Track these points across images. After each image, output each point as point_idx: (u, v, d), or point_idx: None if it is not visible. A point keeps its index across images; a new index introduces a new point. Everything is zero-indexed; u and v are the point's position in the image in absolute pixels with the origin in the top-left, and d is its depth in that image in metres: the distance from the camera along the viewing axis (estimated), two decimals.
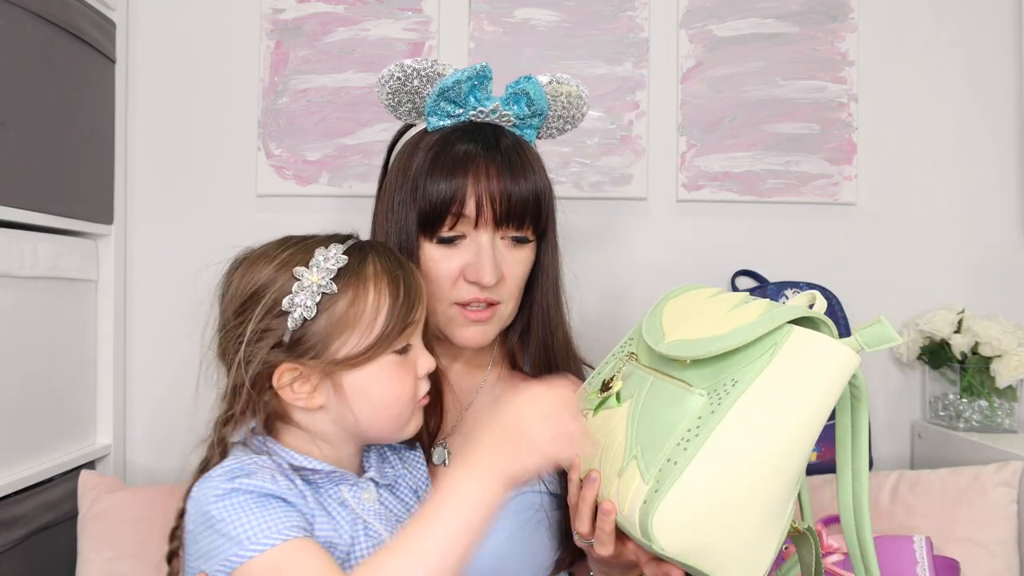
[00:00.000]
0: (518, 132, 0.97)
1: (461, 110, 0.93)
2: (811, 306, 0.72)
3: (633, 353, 0.85)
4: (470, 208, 0.89)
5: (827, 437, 1.28)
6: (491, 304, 0.93)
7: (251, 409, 0.75)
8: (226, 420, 0.76)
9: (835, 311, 1.37)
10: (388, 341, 0.75)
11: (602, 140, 1.46)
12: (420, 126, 0.99)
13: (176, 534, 0.77)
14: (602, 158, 1.46)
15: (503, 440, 0.67)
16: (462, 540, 0.63)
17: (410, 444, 0.90)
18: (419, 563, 0.62)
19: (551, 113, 1.00)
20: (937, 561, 1.02)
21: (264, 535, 0.66)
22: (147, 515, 1.15)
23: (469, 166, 0.89)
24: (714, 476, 0.65)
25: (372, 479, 0.81)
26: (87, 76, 1.31)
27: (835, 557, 0.98)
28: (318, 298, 0.73)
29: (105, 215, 1.36)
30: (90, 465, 1.30)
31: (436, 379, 0.93)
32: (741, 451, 0.65)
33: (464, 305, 0.92)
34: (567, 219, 1.49)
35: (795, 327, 0.69)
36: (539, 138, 1.02)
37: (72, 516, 1.21)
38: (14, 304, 1.12)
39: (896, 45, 1.49)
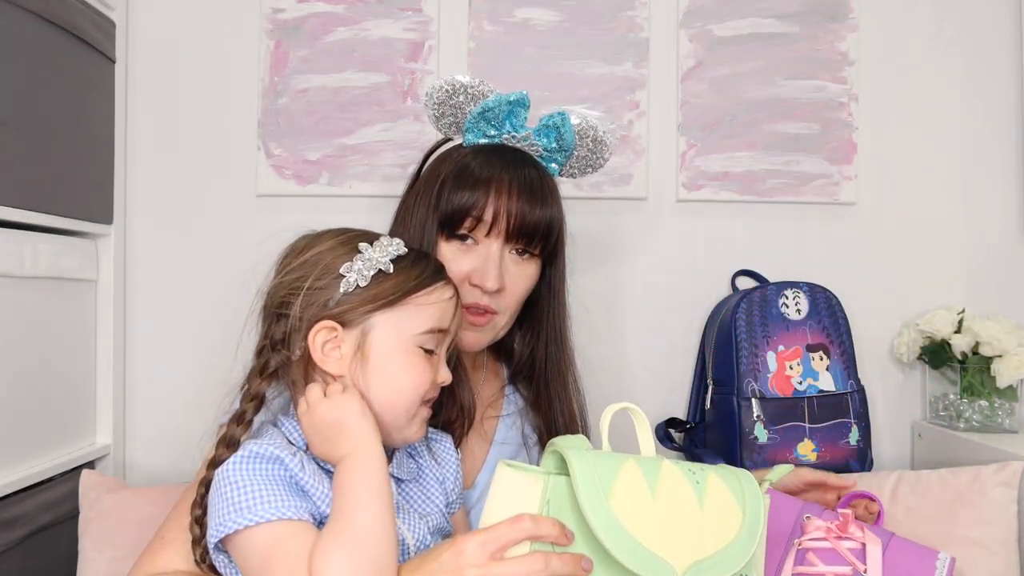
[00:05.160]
0: (543, 163, 1.03)
1: (496, 132, 1.00)
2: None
3: None
4: (488, 214, 0.94)
5: (826, 437, 1.29)
6: (488, 312, 0.97)
7: (282, 369, 0.80)
8: (261, 373, 0.80)
9: (835, 311, 1.37)
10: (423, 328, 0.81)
11: None
12: (457, 140, 1.05)
13: (201, 503, 0.79)
14: None
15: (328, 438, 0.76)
16: (381, 503, 0.71)
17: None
18: (359, 535, 0.69)
19: (575, 153, 1.05)
20: None
21: (265, 509, 0.70)
22: (148, 515, 1.14)
23: (492, 181, 0.95)
24: None
25: (392, 475, 0.82)
26: (87, 76, 1.30)
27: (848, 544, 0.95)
28: (374, 271, 0.79)
29: (105, 215, 1.36)
30: (90, 465, 1.30)
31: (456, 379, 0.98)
32: None
33: (465, 308, 0.96)
34: (568, 219, 1.50)
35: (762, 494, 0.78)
36: (561, 175, 1.07)
37: (72, 516, 1.21)
38: (14, 304, 1.12)
39: (896, 45, 1.49)
